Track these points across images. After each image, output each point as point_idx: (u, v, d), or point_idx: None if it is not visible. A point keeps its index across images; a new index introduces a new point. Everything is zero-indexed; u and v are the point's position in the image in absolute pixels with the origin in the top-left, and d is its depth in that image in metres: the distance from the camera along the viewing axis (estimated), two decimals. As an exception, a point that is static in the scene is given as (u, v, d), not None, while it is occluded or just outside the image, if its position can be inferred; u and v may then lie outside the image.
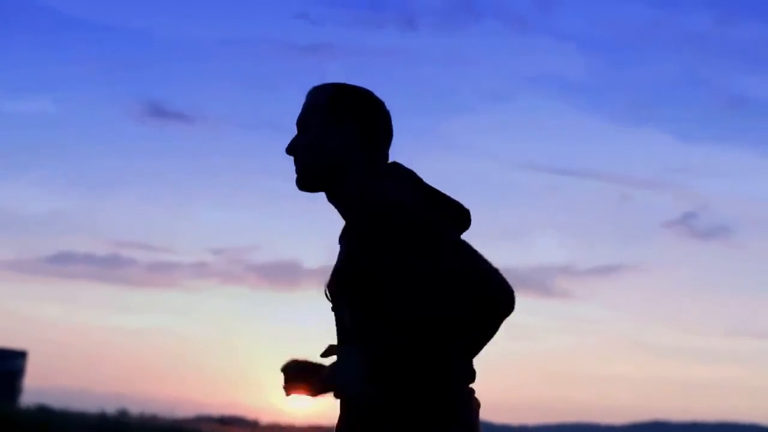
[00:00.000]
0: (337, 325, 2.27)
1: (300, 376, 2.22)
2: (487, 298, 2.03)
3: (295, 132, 2.35)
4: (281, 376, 2.25)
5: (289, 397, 2.23)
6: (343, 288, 2.19)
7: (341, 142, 2.28)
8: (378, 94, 2.36)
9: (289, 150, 2.33)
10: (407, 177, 2.24)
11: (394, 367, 2.08)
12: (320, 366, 2.22)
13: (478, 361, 2.19)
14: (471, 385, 2.19)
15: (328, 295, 2.27)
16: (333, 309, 2.27)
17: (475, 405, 2.19)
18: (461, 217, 2.23)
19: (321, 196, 2.35)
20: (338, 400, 2.23)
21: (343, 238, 2.27)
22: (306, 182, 2.31)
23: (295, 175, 2.33)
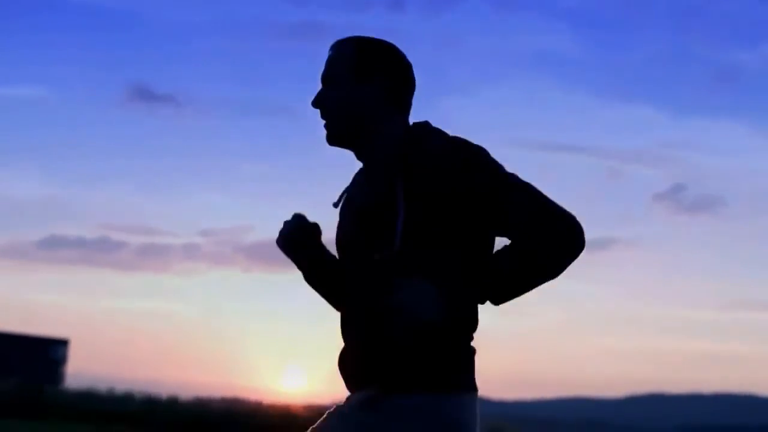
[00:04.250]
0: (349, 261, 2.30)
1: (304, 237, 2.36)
2: (578, 235, 2.13)
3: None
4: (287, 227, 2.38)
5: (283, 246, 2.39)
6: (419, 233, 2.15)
7: (372, 96, 2.27)
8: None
9: (316, 103, 2.31)
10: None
11: (468, 300, 2.10)
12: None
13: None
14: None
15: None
16: (352, 249, 2.29)
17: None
18: None
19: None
20: (342, 340, 2.25)
21: (375, 186, 2.25)
22: (337, 137, 2.30)
23: (324, 130, 2.30)
